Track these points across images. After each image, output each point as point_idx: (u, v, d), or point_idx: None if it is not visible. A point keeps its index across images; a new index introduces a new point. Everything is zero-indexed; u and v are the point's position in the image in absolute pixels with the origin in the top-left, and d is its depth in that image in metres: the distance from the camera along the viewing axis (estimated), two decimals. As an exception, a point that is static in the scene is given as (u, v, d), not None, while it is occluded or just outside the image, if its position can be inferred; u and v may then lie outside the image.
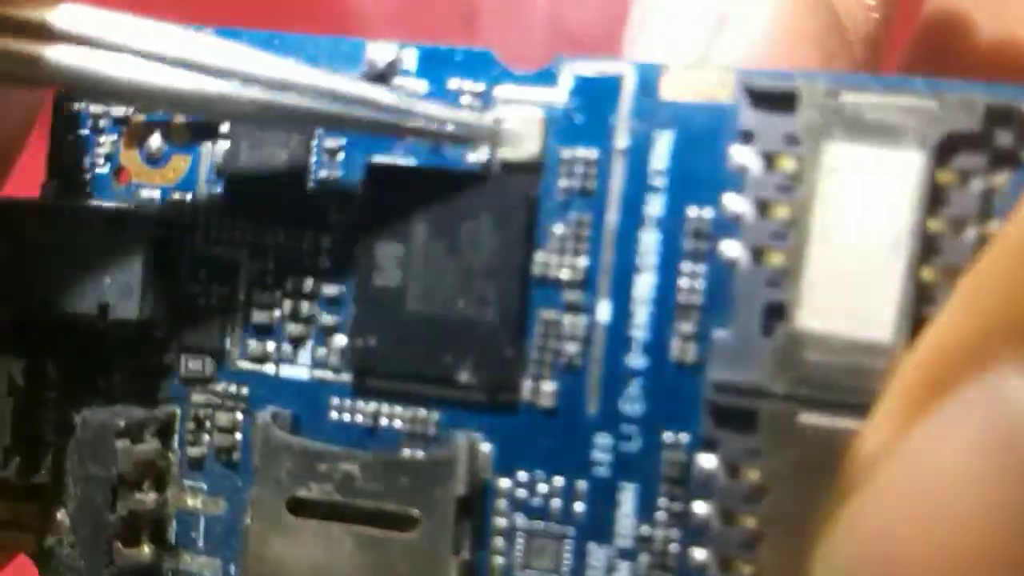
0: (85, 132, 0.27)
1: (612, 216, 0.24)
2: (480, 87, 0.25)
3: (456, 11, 0.58)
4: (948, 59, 0.32)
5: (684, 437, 0.24)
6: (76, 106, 0.27)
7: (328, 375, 0.26)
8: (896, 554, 0.16)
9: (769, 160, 0.23)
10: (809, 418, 0.22)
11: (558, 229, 0.24)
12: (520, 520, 0.25)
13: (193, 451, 0.27)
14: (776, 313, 0.23)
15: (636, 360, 0.24)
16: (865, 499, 0.17)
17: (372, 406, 0.25)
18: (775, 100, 0.22)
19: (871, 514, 0.17)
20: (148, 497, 0.26)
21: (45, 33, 0.23)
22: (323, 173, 0.26)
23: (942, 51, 0.32)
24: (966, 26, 0.31)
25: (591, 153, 0.24)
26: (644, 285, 0.24)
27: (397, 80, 0.25)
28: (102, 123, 0.27)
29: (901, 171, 0.22)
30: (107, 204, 0.27)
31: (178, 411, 0.27)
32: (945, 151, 0.21)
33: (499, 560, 0.25)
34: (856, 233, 0.22)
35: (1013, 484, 0.15)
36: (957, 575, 0.16)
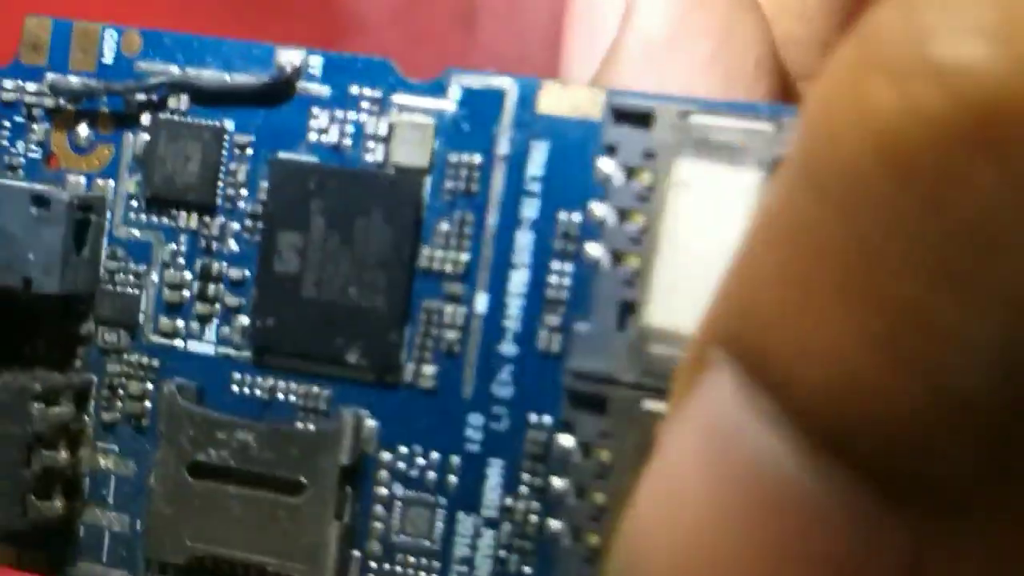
0: (20, 120, 0.29)
1: (492, 217, 0.26)
2: (378, 94, 0.27)
3: (456, 10, 0.59)
4: None
5: (547, 419, 0.26)
6: (12, 95, 0.29)
7: (231, 351, 0.28)
8: (641, 553, 0.18)
9: (629, 172, 0.25)
10: (652, 405, 0.25)
11: (443, 226, 0.27)
12: (398, 489, 0.27)
13: (107, 416, 0.29)
14: (630, 310, 0.25)
15: (508, 348, 0.26)
16: (637, 493, 0.19)
17: (270, 381, 0.28)
18: (635, 118, 0.25)
19: (639, 509, 0.18)
20: (61, 455, 0.28)
21: None
22: (232, 165, 0.28)
23: None
24: None
25: (475, 158, 0.26)
26: (518, 280, 0.26)
27: (301, 84, 0.28)
28: (35, 112, 0.29)
29: (741, 188, 0.24)
30: (35, 185, 0.29)
31: (94, 379, 0.29)
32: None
33: (378, 525, 0.27)
34: (699, 241, 0.24)
35: (724, 493, 0.17)
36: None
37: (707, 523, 0.17)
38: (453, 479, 0.27)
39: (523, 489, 0.26)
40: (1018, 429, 0.15)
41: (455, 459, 0.27)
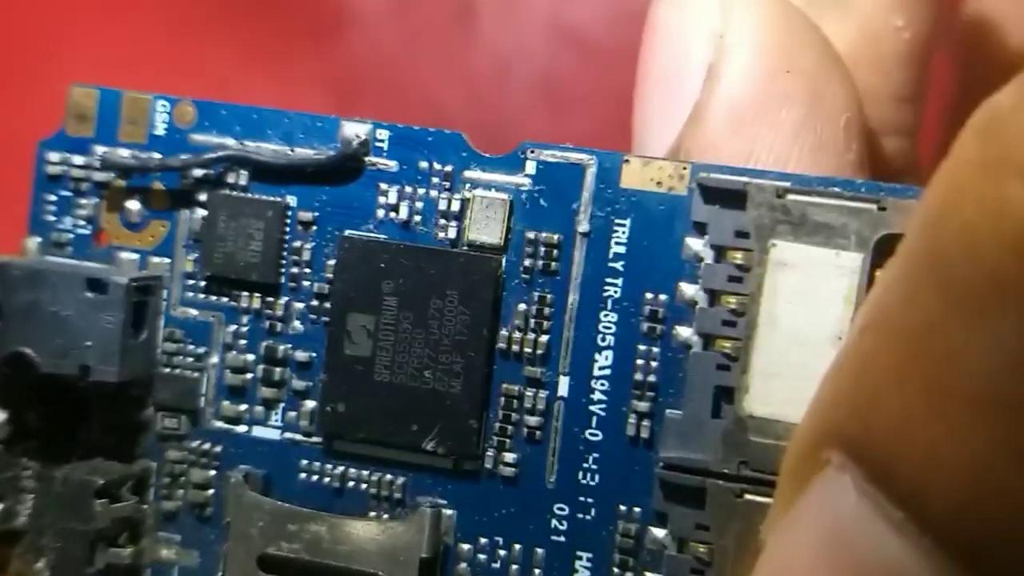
0: (67, 193, 0.28)
1: (573, 296, 0.25)
2: (449, 168, 0.26)
3: (454, 7, 0.58)
4: (987, 63, 0.32)
5: (637, 509, 0.25)
6: (59, 168, 0.28)
7: (299, 437, 0.27)
8: None
9: (720, 252, 0.24)
10: (753, 497, 0.24)
11: (522, 307, 0.25)
12: (480, 582, 0.26)
13: (167, 505, 0.28)
14: (725, 396, 0.24)
15: (593, 434, 0.25)
16: None
17: (340, 469, 0.27)
18: (726, 196, 0.24)
19: None
20: (124, 552, 0.27)
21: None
22: (296, 243, 0.27)
23: (980, 56, 0.32)
24: (1002, 29, 0.31)
25: (554, 236, 0.25)
26: (602, 363, 0.25)
27: (368, 158, 0.26)
28: (83, 186, 0.28)
29: (842, 269, 0.23)
30: (88, 264, 0.28)
31: (153, 466, 0.28)
32: (883, 251, 0.23)
33: (459, 620, 0.26)
34: (800, 326, 0.23)
35: None
36: None
37: None
38: (538, 573, 0.25)
39: (613, 582, 0.25)
40: None
41: (539, 551, 0.26)
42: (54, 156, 0.28)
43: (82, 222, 0.28)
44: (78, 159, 0.28)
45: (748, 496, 0.24)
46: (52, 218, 0.28)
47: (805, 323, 0.23)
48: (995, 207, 0.15)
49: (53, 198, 0.28)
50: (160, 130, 0.28)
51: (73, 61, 0.55)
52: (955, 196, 0.16)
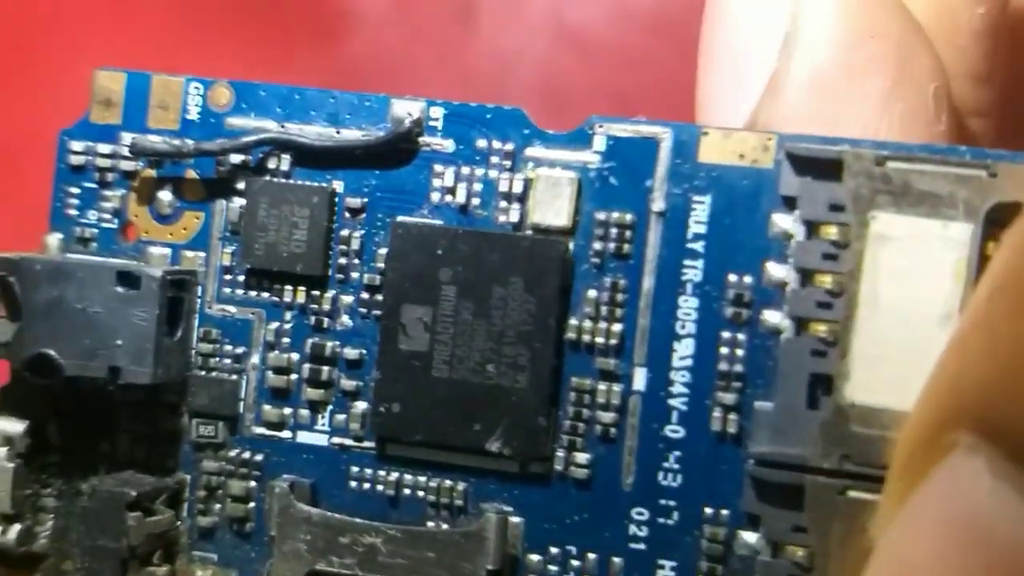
0: (91, 185, 0.26)
1: (648, 281, 0.23)
2: (510, 147, 0.24)
3: (455, 7, 0.58)
4: None
5: (724, 512, 0.23)
6: (81, 158, 0.26)
7: (349, 442, 0.25)
8: None
9: (812, 227, 0.22)
10: (858, 494, 0.21)
11: (592, 294, 0.24)
12: (552, 596, 0.24)
13: (203, 520, 0.25)
14: (821, 385, 0.22)
15: (674, 431, 0.23)
16: None
17: (395, 475, 0.25)
18: (819, 167, 0.22)
19: None
20: (159, 571, 0.25)
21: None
22: (345, 231, 0.25)
23: None
24: None
25: (626, 216, 0.23)
26: (683, 353, 0.23)
27: (422, 138, 0.24)
28: (109, 176, 0.26)
29: (951, 241, 0.21)
30: (119, 260, 0.26)
31: (188, 478, 0.26)
32: (994, 221, 0.21)
33: (530, 638, 0.24)
34: (905, 304, 0.21)
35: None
36: None
37: None
38: (617, 583, 0.23)
39: (700, 592, 0.23)
40: None
41: (617, 561, 0.23)
42: (77, 145, 0.26)
43: (108, 215, 0.26)
44: (104, 147, 0.26)
45: (852, 493, 0.22)
46: (75, 212, 0.26)
47: (911, 301, 0.21)
48: None
49: (76, 190, 0.26)
50: (193, 114, 0.26)
51: (74, 62, 0.54)
52: None
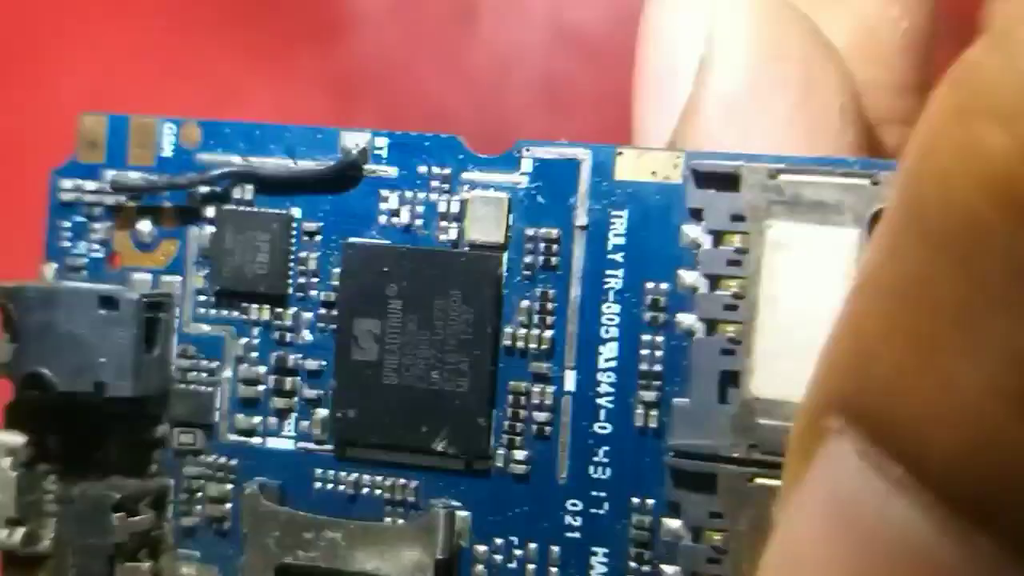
0: (81, 219, 0.29)
1: (575, 290, 0.25)
2: (447, 171, 0.26)
3: (454, 7, 0.59)
4: None
5: (650, 501, 0.25)
6: (72, 195, 0.29)
7: (312, 446, 0.27)
8: None
9: (717, 236, 0.24)
10: (765, 481, 0.23)
11: (525, 303, 0.26)
12: (496, 583, 0.26)
13: (186, 521, 0.28)
14: (730, 380, 0.24)
15: (602, 427, 0.25)
16: (760, 570, 0.18)
17: (354, 475, 0.27)
18: (720, 181, 0.24)
19: None
20: (144, 566, 0.27)
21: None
22: (303, 253, 0.27)
23: None
24: None
25: (553, 231, 0.25)
26: (608, 355, 0.25)
27: (368, 166, 0.27)
28: (96, 211, 0.29)
29: (839, 246, 0.23)
30: (101, 286, 0.28)
31: (171, 482, 0.28)
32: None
33: (477, 621, 0.26)
34: (800, 305, 0.23)
35: (857, 566, 0.16)
36: None
37: None
38: (555, 571, 0.25)
39: (629, 576, 0.25)
40: None
41: (555, 549, 0.25)
42: (67, 183, 0.29)
43: (96, 246, 0.29)
44: (90, 184, 0.29)
45: (760, 480, 0.23)
46: (67, 243, 0.29)
47: (806, 302, 0.23)
48: (968, 151, 0.15)
49: (67, 224, 0.29)
50: (168, 151, 0.28)
51: (74, 62, 0.56)
52: (930, 144, 0.16)
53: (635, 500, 0.25)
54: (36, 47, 0.57)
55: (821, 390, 0.18)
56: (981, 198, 0.15)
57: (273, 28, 0.59)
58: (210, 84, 0.58)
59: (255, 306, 0.28)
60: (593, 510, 0.25)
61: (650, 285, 0.25)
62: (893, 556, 0.16)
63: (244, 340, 0.28)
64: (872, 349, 0.17)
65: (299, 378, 0.27)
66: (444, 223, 0.26)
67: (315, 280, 0.27)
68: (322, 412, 0.27)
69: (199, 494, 0.28)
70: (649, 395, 0.25)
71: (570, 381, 0.25)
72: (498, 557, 0.26)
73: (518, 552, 0.26)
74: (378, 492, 0.27)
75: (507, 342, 0.26)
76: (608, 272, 0.25)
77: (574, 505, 0.25)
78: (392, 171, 0.27)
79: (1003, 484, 0.15)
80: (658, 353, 0.25)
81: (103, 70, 0.57)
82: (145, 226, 0.28)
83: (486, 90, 0.57)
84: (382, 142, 0.27)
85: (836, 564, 0.17)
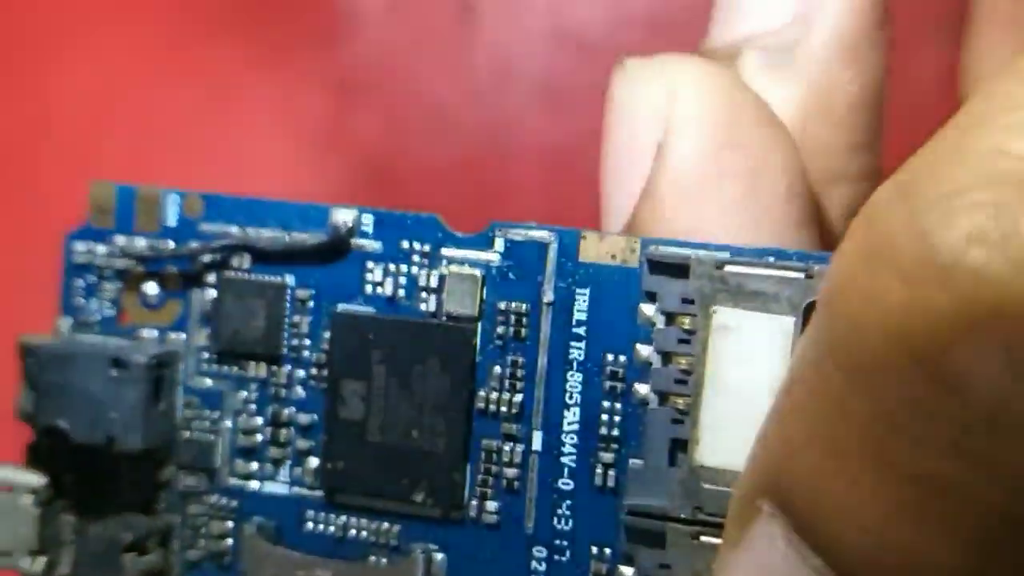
0: (93, 279, 0.31)
1: (542, 360, 0.28)
2: (427, 248, 0.29)
3: (454, 7, 0.58)
4: None
5: (607, 551, 0.27)
6: (85, 257, 0.31)
7: (304, 491, 0.30)
8: None
9: (670, 317, 0.27)
10: (708, 539, 0.26)
11: (496, 370, 0.28)
12: (469, 620, 0.29)
13: (191, 554, 0.31)
14: (680, 447, 0.26)
15: (566, 484, 0.28)
16: None
17: (342, 519, 0.30)
18: (671, 269, 0.26)
19: None
20: (153, 600, 0.30)
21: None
22: (296, 318, 0.30)
23: None
24: None
25: (522, 306, 0.28)
26: (570, 419, 0.28)
27: (356, 241, 0.29)
28: (107, 272, 0.31)
29: (776, 331, 0.25)
30: (112, 342, 0.31)
31: (177, 520, 0.31)
32: (809, 316, 0.25)
33: (452, 654, 0.29)
34: (742, 383, 0.26)
35: None
36: None
37: None
38: (521, 610, 0.28)
39: (588, 618, 0.28)
40: None
41: (522, 590, 0.28)
42: (80, 246, 0.31)
43: (107, 303, 0.31)
44: (101, 248, 0.31)
45: (704, 538, 0.26)
46: (81, 301, 0.32)
47: (746, 380, 0.26)
48: (872, 299, 0.17)
49: (81, 283, 0.32)
50: (172, 221, 0.31)
51: (74, 62, 0.57)
52: (842, 285, 0.18)
53: (594, 549, 0.28)
54: (36, 47, 0.58)
55: (756, 472, 0.21)
56: (884, 343, 0.17)
57: (273, 28, 0.59)
58: (210, 84, 0.59)
59: (252, 364, 0.30)
60: (556, 557, 0.28)
61: (610, 357, 0.27)
62: None
63: (243, 394, 0.30)
64: (796, 447, 0.19)
65: (292, 430, 0.30)
66: (424, 295, 0.29)
67: (307, 342, 0.30)
68: (313, 461, 0.30)
69: (202, 530, 0.31)
70: (607, 456, 0.27)
71: (537, 441, 0.28)
72: (471, 597, 0.29)
73: (489, 593, 0.29)
74: (364, 535, 0.29)
75: (480, 405, 0.28)
76: (572, 344, 0.28)
77: (539, 552, 0.28)
78: (377, 245, 0.29)
79: None
80: (616, 419, 0.27)
81: (103, 70, 0.58)
82: (151, 288, 0.31)
83: (486, 90, 0.58)
84: (368, 219, 0.29)
85: None
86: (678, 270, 0.26)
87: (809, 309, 0.25)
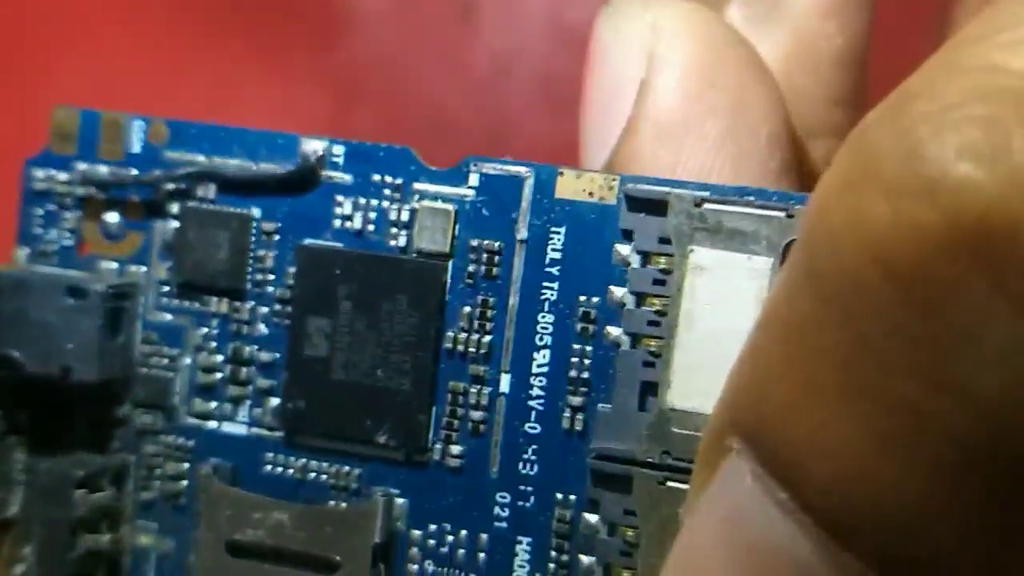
0: (52, 207, 0.30)
1: (513, 299, 0.27)
2: (399, 181, 0.28)
3: (454, 7, 0.59)
4: None
5: (572, 497, 0.27)
6: (44, 184, 0.30)
7: (263, 432, 0.29)
8: None
9: (645, 257, 0.26)
10: (675, 484, 0.25)
11: (466, 309, 0.27)
12: (429, 567, 0.28)
13: (145, 495, 0.30)
14: (650, 391, 0.26)
15: (532, 428, 0.27)
16: (662, 572, 0.20)
17: (302, 461, 0.29)
18: (650, 206, 0.26)
19: None
20: (103, 538, 0.29)
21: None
22: (260, 252, 0.29)
23: None
24: None
25: (495, 244, 0.27)
26: (540, 362, 0.27)
27: (325, 172, 0.28)
28: (67, 200, 0.30)
29: (754, 273, 0.25)
30: (70, 273, 0.30)
31: (132, 459, 0.30)
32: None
33: (410, 601, 0.28)
34: (716, 325, 0.25)
35: (740, 571, 0.18)
36: None
37: None
38: (482, 556, 0.27)
39: (551, 566, 0.27)
40: (996, 511, 0.16)
41: (484, 537, 0.27)
42: (40, 173, 0.30)
43: (66, 234, 0.30)
44: (62, 175, 0.30)
45: (671, 483, 0.25)
46: (39, 230, 0.31)
47: (721, 322, 0.25)
48: (855, 218, 0.17)
49: (40, 212, 0.31)
50: (136, 148, 0.30)
51: (74, 62, 0.57)
52: (825, 206, 0.17)
53: (559, 495, 0.27)
54: (36, 47, 0.57)
55: (725, 411, 0.20)
56: (865, 263, 0.16)
57: (273, 28, 0.59)
58: (210, 84, 0.58)
59: (214, 299, 0.29)
60: (520, 503, 0.27)
61: (583, 298, 0.27)
62: (774, 568, 0.18)
63: (203, 330, 0.29)
64: (768, 382, 0.19)
65: (253, 368, 0.29)
66: (394, 230, 0.28)
67: (271, 277, 0.29)
68: (274, 401, 0.29)
69: (157, 471, 0.30)
70: (576, 400, 0.27)
71: (505, 383, 0.27)
72: (431, 542, 0.28)
73: (450, 538, 0.28)
74: (324, 478, 0.29)
75: (448, 345, 0.27)
76: (545, 284, 0.27)
77: (503, 497, 0.27)
78: (347, 178, 0.28)
79: (869, 511, 0.17)
80: (586, 361, 0.27)
81: (102, 70, 0.57)
82: (113, 217, 0.30)
83: (486, 90, 0.58)
84: (339, 150, 0.28)
85: (726, 571, 0.19)
86: (656, 207, 0.26)
87: (788, 249, 0.24)
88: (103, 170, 0.30)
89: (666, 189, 0.26)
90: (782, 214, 0.25)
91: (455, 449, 0.28)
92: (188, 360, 0.30)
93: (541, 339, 0.27)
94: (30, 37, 0.58)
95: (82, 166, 0.30)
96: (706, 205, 0.25)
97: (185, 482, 0.30)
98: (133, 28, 0.58)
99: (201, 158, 0.29)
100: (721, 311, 0.25)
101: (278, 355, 0.29)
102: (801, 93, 0.31)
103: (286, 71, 0.58)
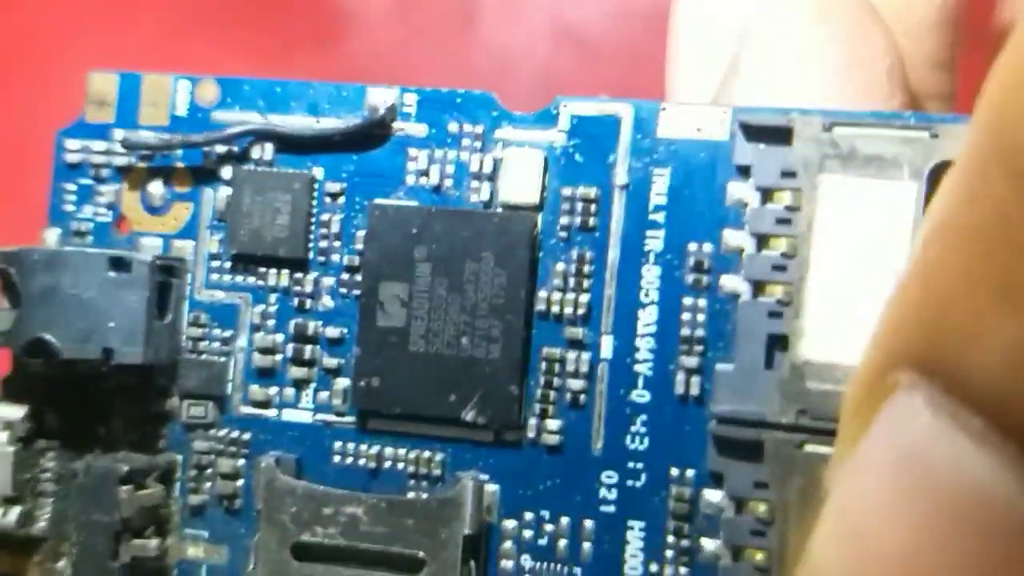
0: (87, 181, 0.27)
1: (613, 252, 0.24)
2: (480, 129, 0.25)
3: (455, 7, 0.58)
4: None
5: (690, 472, 0.24)
6: (78, 156, 0.27)
7: (331, 418, 0.26)
8: None
9: (766, 194, 0.23)
10: (815, 448, 0.22)
11: (560, 266, 0.25)
12: (527, 562, 0.24)
13: (194, 499, 0.26)
14: (778, 344, 0.23)
15: (641, 396, 0.24)
16: (814, 540, 0.17)
17: (376, 448, 0.25)
18: (770, 135, 0.23)
19: (818, 556, 0.17)
20: (151, 543, 0.26)
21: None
22: (325, 216, 0.26)
23: None
24: None
25: (591, 191, 0.24)
26: (647, 320, 0.24)
27: (396, 124, 0.26)
28: (104, 172, 0.27)
29: (896, 200, 0.22)
30: (109, 250, 0.27)
31: (179, 458, 0.27)
32: (936, 180, 0.22)
33: (507, 601, 0.24)
34: (854, 263, 0.22)
35: (932, 522, 0.15)
36: None
37: (913, 557, 0.15)
38: (587, 546, 0.24)
39: (669, 554, 0.24)
40: None
41: (588, 524, 0.24)
42: (73, 144, 0.28)
43: (103, 209, 0.27)
44: (98, 145, 0.27)
45: (809, 447, 0.22)
46: (72, 207, 0.28)
47: (860, 260, 0.22)
48: None
49: (72, 187, 0.28)
50: (182, 110, 0.27)
51: (74, 61, 0.55)
52: (1016, 77, 0.15)
53: (674, 471, 0.24)
54: (36, 47, 0.56)
55: (886, 345, 0.17)
56: None
57: (273, 28, 0.58)
58: None
59: (273, 271, 0.26)
60: (629, 482, 0.24)
61: (693, 246, 0.24)
62: (972, 515, 0.15)
63: (260, 307, 0.26)
64: (947, 297, 0.16)
65: (319, 346, 0.26)
66: (476, 183, 0.25)
67: (337, 244, 0.26)
68: (343, 382, 0.26)
69: (209, 470, 0.26)
70: (691, 361, 0.24)
71: (607, 347, 0.24)
72: (528, 532, 0.24)
73: (549, 527, 0.24)
74: (401, 465, 0.25)
75: (541, 307, 0.25)
76: (649, 233, 0.24)
77: (609, 477, 0.24)
78: (421, 129, 0.26)
79: None
80: (700, 317, 0.24)
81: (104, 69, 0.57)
82: (156, 188, 0.27)
83: (486, 90, 0.58)
84: (411, 99, 0.26)
85: (906, 529, 0.16)
86: (778, 135, 0.23)
87: (937, 172, 0.22)
88: (147, 135, 0.27)
89: (789, 115, 0.23)
90: (925, 134, 0.22)
91: (552, 424, 0.24)
92: (243, 342, 0.26)
93: (647, 295, 0.24)
94: (30, 36, 0.56)
95: (121, 133, 0.27)
96: (837, 129, 0.22)
97: (241, 481, 0.26)
98: (133, 28, 0.57)
99: (256, 116, 0.26)
100: (861, 248, 0.22)
101: (347, 330, 0.26)
102: (903, 57, 0.28)
103: (287, 71, 0.57)
